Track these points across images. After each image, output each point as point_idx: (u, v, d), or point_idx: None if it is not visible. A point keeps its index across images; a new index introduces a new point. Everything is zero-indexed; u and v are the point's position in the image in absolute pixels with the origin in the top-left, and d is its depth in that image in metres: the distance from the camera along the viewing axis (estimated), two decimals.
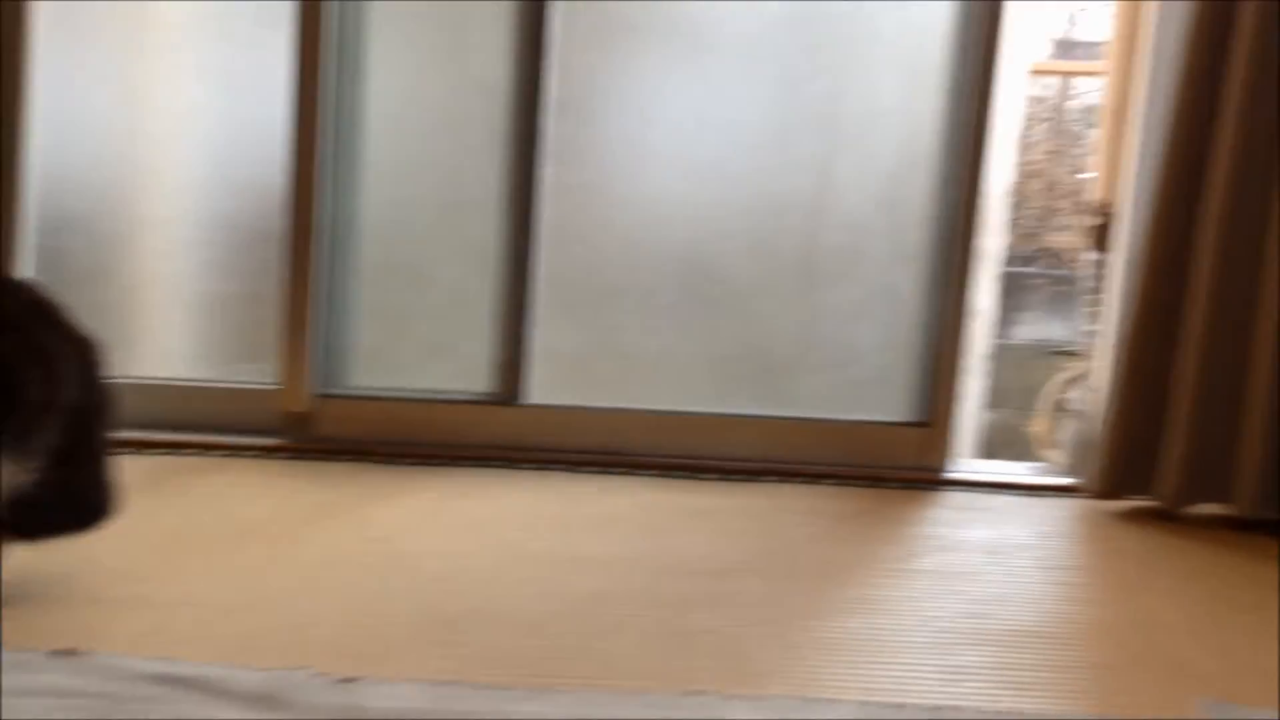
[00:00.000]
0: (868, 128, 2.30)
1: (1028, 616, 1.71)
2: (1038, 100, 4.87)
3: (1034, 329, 4.50)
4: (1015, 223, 4.59)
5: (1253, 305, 2.12)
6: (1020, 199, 4.50)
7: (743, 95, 2.30)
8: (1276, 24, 2.07)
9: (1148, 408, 2.17)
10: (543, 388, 2.33)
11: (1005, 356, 4.30)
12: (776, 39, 2.29)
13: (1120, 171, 2.34)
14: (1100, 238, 2.53)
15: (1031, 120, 4.77)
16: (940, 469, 2.33)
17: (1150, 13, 2.25)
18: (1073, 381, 2.74)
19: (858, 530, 2.03)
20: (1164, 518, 2.17)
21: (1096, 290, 2.37)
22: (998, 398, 4.18)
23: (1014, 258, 4.58)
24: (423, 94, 2.30)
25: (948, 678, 1.49)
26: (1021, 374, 3.94)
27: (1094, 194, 2.59)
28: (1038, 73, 4.65)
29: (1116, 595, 1.84)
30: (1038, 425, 3.51)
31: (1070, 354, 2.81)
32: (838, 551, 1.92)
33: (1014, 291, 4.49)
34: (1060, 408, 3.01)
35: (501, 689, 1.34)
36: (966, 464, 2.40)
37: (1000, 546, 1.99)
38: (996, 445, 3.96)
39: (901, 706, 1.39)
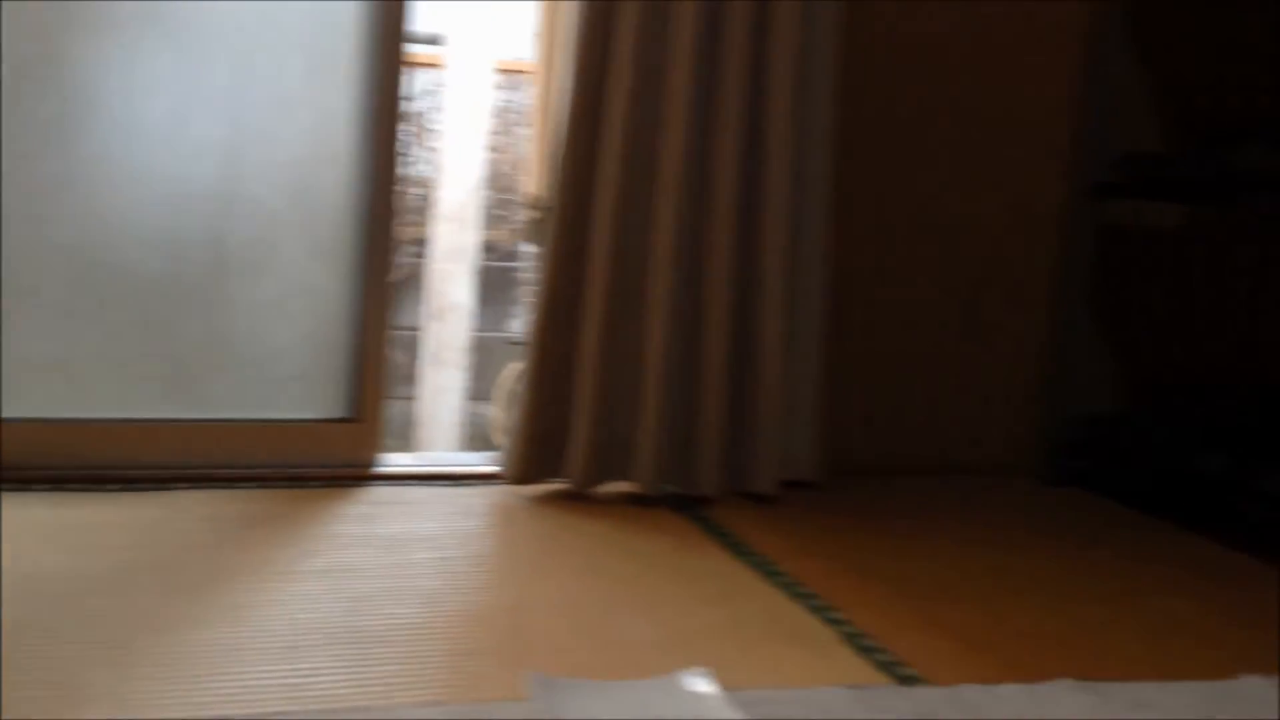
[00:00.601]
0: (276, 117, 2.22)
1: (407, 610, 1.69)
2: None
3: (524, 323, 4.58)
4: (503, 219, 4.70)
5: (645, 294, 2.23)
6: (508, 195, 4.58)
7: (141, 78, 2.14)
8: (657, 22, 2.19)
9: (556, 394, 2.23)
10: None
11: (494, 350, 4.37)
12: (176, 20, 2.15)
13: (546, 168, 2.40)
14: (535, 232, 2.60)
15: (522, 118, 4.86)
16: (369, 464, 2.29)
17: (563, 10, 2.33)
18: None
19: (260, 534, 1.94)
20: (574, 499, 2.24)
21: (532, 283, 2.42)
22: (484, 390, 4.24)
23: (505, 253, 4.69)
24: None
25: (292, 684, 1.43)
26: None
27: (529, 189, 2.67)
28: (517, 72, 4.74)
29: (506, 580, 1.87)
30: (494, 415, 3.58)
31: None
32: (228, 558, 1.83)
33: (505, 286, 4.58)
34: (511, 397, 3.08)
35: None
36: (397, 458, 2.37)
37: (406, 539, 1.97)
38: (481, 438, 4.02)
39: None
